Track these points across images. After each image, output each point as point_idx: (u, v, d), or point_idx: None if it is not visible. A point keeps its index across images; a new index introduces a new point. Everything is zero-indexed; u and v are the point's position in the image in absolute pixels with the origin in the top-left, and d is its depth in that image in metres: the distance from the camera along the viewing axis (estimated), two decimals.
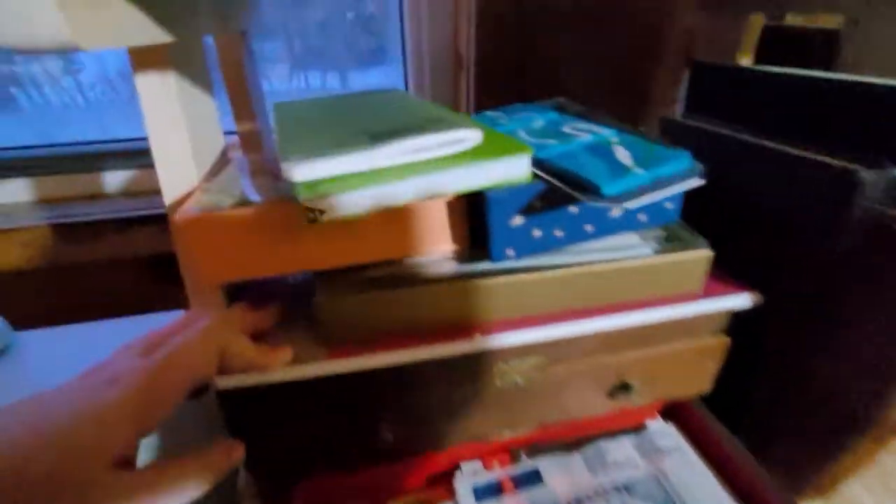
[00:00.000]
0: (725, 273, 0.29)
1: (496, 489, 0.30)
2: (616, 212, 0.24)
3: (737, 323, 0.30)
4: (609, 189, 0.20)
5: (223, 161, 0.30)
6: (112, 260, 0.50)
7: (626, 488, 0.30)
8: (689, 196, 0.26)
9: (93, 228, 0.50)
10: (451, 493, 0.30)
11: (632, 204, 0.20)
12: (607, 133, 0.26)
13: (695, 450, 0.33)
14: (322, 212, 0.20)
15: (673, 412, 0.35)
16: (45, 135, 0.59)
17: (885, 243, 0.24)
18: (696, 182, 0.22)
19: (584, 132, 0.26)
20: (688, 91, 0.35)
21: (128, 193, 0.55)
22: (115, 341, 0.21)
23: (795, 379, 0.30)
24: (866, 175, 0.23)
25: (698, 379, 0.31)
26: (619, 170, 0.21)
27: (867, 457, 0.28)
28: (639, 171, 0.21)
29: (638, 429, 0.35)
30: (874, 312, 0.25)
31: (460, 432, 0.29)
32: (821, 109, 0.26)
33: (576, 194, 0.21)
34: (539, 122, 0.29)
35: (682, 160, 0.22)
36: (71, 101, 0.63)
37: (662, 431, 0.34)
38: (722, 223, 0.29)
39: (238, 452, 0.21)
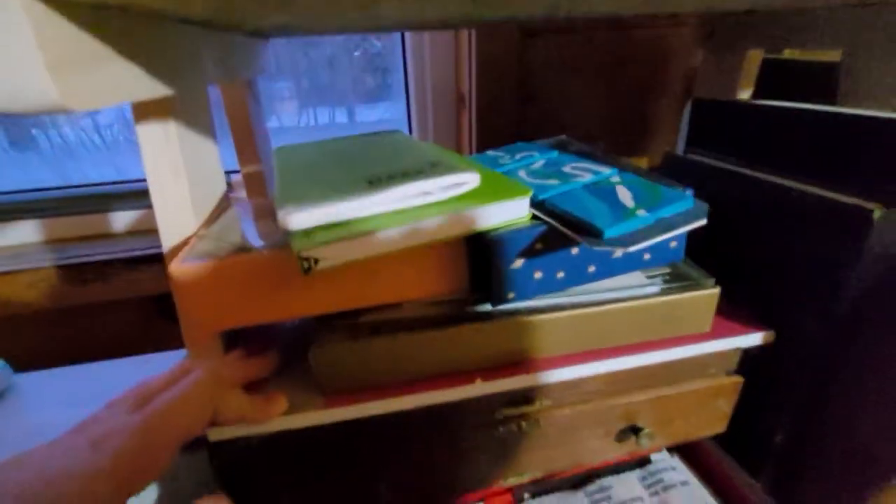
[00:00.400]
0: (734, 311, 0.28)
1: None
2: (619, 253, 0.24)
3: (751, 362, 0.28)
4: (611, 231, 0.20)
5: (224, 205, 0.30)
6: (118, 300, 0.50)
7: None
8: (693, 231, 0.26)
9: (100, 268, 0.50)
10: None
11: (634, 248, 0.19)
12: (608, 172, 0.26)
13: (703, 484, 0.31)
14: (317, 261, 0.20)
15: (680, 446, 0.34)
16: (62, 175, 0.61)
17: None
18: (699, 222, 0.22)
19: (585, 172, 0.26)
20: (689, 126, 0.35)
21: (136, 232, 0.56)
22: (116, 382, 0.21)
23: (813, 419, 0.28)
24: (881, 214, 0.22)
25: (711, 420, 0.30)
26: (621, 211, 0.21)
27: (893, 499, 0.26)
28: (641, 212, 0.21)
29: (643, 463, 0.34)
30: (892, 349, 0.24)
31: (462, 483, 0.28)
32: (821, 142, 0.26)
33: (577, 237, 0.20)
34: (540, 161, 0.29)
35: (686, 201, 0.22)
36: (88, 140, 0.65)
37: (668, 465, 0.33)
38: (728, 259, 0.28)
39: None
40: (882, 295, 0.23)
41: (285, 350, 0.26)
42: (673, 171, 0.33)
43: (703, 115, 0.34)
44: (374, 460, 0.25)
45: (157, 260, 0.50)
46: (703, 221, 0.22)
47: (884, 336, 0.24)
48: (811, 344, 0.26)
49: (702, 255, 0.28)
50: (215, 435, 0.22)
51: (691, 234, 0.25)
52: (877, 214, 0.22)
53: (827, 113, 0.26)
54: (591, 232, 0.20)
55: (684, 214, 0.22)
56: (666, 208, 0.21)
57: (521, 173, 0.27)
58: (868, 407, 0.26)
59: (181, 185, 0.24)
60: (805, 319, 0.26)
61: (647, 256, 0.24)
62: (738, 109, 0.32)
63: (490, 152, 0.33)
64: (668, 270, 0.28)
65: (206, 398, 0.20)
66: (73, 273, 0.47)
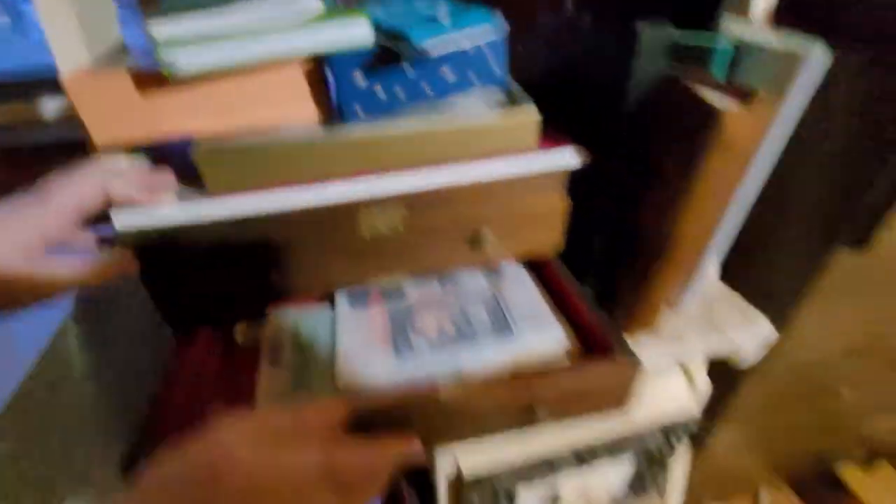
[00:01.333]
0: (561, 136, 0.34)
1: (366, 298, 0.37)
2: (446, 72, 0.29)
3: (574, 185, 0.35)
4: (418, 38, 0.25)
5: (115, 34, 0.33)
6: None
7: (466, 296, 0.36)
8: (523, 67, 0.31)
9: (35, 153, 0.53)
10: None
11: (437, 50, 0.25)
12: (442, 4, 0.30)
13: (531, 275, 0.39)
14: (177, 65, 0.25)
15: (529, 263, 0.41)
16: None
17: (670, 96, 0.29)
18: (493, 34, 0.27)
19: (425, 3, 0.30)
20: None
21: (69, 119, 0.58)
22: None
23: (621, 227, 0.35)
24: (645, 31, 0.27)
25: (547, 235, 0.37)
26: (432, 24, 0.26)
27: (672, 279, 0.35)
28: (446, 23, 0.26)
29: (495, 270, 0.41)
30: (671, 156, 0.30)
31: (340, 277, 0.35)
32: None
33: (392, 45, 0.25)
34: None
35: (485, 16, 0.27)
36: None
37: (511, 268, 0.41)
38: (554, 92, 0.34)
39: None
40: (659, 111, 0.29)
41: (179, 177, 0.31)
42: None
43: None
44: (261, 253, 0.32)
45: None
46: (497, 33, 0.27)
47: (661, 152, 0.30)
48: (617, 160, 0.32)
49: (533, 90, 0.33)
50: (120, 223, 0.28)
51: (522, 70, 0.30)
52: (641, 30, 0.27)
53: None
54: (402, 39, 0.25)
55: (481, 24, 0.27)
56: (467, 20, 0.27)
57: (379, 13, 0.31)
58: (656, 206, 0.33)
59: (71, 20, 0.27)
60: (612, 139, 0.32)
61: (473, 77, 0.30)
62: None
63: None
64: (504, 99, 0.33)
65: (99, 174, 0.25)
66: (9, 157, 0.50)
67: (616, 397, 0.33)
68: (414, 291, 0.38)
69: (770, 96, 0.28)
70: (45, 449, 0.33)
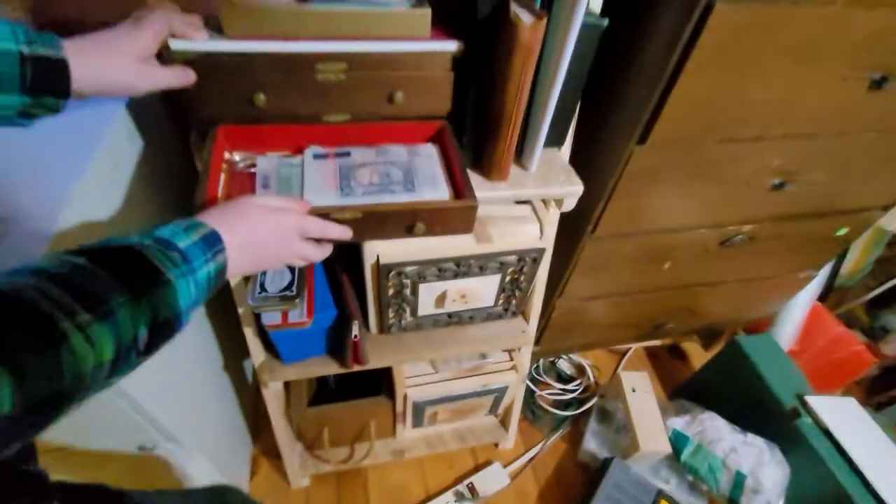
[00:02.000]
0: (447, 32, 0.54)
1: (324, 156, 0.58)
2: None
3: (459, 64, 0.55)
4: None
5: None
6: None
7: (389, 163, 0.58)
8: None
9: None
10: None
11: None
12: None
13: (438, 154, 0.61)
14: None
15: (435, 139, 0.63)
16: None
17: (502, 24, 0.48)
18: None
19: None
20: None
21: None
22: None
23: (482, 100, 0.56)
24: None
25: (440, 100, 0.58)
26: None
27: (506, 140, 0.57)
28: None
29: (414, 147, 0.62)
30: (500, 48, 0.50)
31: (304, 109, 0.55)
32: None
33: None
34: None
35: None
36: None
37: (425, 147, 0.62)
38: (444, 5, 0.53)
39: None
40: (499, 20, 0.49)
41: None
42: None
43: None
44: (259, 80, 0.52)
45: None
46: None
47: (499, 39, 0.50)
48: (470, 52, 0.52)
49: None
50: (176, 45, 0.47)
51: None
52: None
53: None
54: None
55: None
56: None
57: None
58: (497, 89, 0.54)
59: None
60: (469, 39, 0.52)
61: None
62: None
63: None
64: (415, 3, 0.52)
65: (167, 17, 0.44)
66: None
67: (464, 223, 0.56)
68: (357, 155, 0.59)
69: (556, 22, 0.48)
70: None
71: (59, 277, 0.24)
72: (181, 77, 0.46)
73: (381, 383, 0.97)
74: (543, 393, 1.24)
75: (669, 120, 0.62)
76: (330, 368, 0.81)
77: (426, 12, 0.51)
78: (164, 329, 0.30)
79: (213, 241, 0.35)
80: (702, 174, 0.73)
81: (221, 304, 0.85)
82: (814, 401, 0.93)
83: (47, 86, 0.35)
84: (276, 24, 0.49)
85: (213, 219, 0.38)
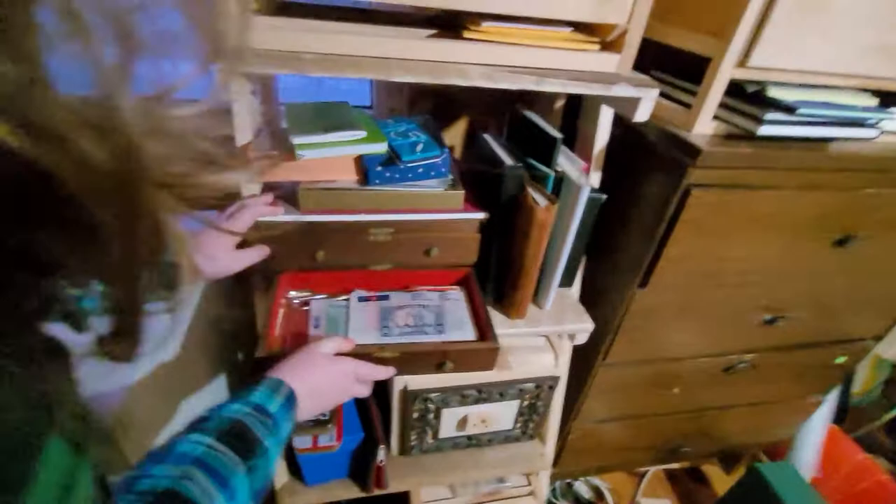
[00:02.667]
0: (476, 205, 0.67)
1: (367, 298, 0.68)
2: (420, 169, 0.61)
3: (485, 227, 0.67)
4: (405, 157, 0.57)
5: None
6: None
7: (422, 306, 0.68)
8: (462, 173, 0.64)
9: None
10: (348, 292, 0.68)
11: (410, 164, 0.57)
12: (422, 136, 0.63)
13: (465, 298, 0.71)
14: (303, 155, 0.57)
15: (462, 283, 0.73)
16: None
17: (521, 204, 0.61)
18: (440, 158, 0.59)
19: (414, 134, 0.63)
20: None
21: None
22: None
23: (504, 256, 0.67)
24: (508, 170, 0.60)
25: (468, 253, 0.69)
26: (413, 151, 0.58)
27: (525, 287, 0.67)
28: (420, 153, 0.58)
29: (444, 292, 0.73)
30: (517, 237, 0.62)
31: (355, 260, 0.66)
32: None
33: (394, 158, 0.57)
34: (403, 126, 0.66)
35: (437, 150, 0.59)
36: None
37: (453, 291, 0.73)
38: (474, 185, 0.66)
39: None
40: (516, 208, 0.62)
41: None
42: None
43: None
44: (322, 242, 0.63)
45: None
46: (447, 158, 0.59)
47: (514, 220, 0.63)
48: (494, 219, 0.65)
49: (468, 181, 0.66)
50: (262, 218, 0.60)
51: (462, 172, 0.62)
52: (506, 168, 0.60)
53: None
54: (399, 156, 0.58)
55: (433, 154, 0.59)
56: (431, 153, 0.59)
57: (391, 132, 0.64)
58: (517, 250, 0.65)
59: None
60: (494, 210, 0.64)
61: (433, 173, 0.62)
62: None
63: (389, 119, 0.69)
64: (450, 185, 0.65)
65: (255, 214, 0.57)
66: None
67: (488, 361, 0.64)
68: (395, 298, 0.70)
69: (565, 201, 0.60)
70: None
71: (199, 462, 0.31)
72: (262, 254, 0.58)
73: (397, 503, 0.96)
74: None
75: (665, 269, 0.72)
76: (351, 492, 0.83)
77: (460, 193, 0.64)
78: (260, 493, 0.36)
79: (292, 400, 0.42)
80: (699, 311, 0.81)
81: None
82: None
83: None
84: (340, 201, 0.62)
85: (287, 373, 0.46)
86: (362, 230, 0.64)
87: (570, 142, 0.72)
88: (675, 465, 1.34)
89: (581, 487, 1.28)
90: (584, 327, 0.73)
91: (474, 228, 0.67)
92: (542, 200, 0.60)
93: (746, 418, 1.09)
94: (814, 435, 1.19)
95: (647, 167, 0.70)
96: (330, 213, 0.62)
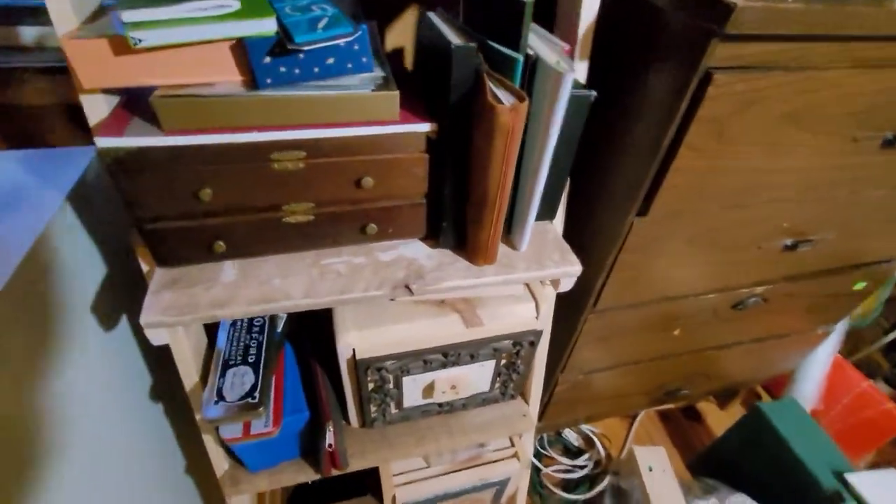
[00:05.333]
0: (418, 111, 0.48)
1: None
2: (330, 60, 0.42)
3: (435, 144, 0.49)
4: (298, 38, 0.38)
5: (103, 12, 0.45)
6: (37, 105, 0.64)
7: None
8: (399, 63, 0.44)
9: (16, 74, 0.64)
10: None
11: (308, 47, 0.38)
12: (330, 10, 0.43)
13: None
14: (140, 40, 0.37)
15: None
16: None
17: (478, 104, 0.43)
18: (348, 37, 0.40)
19: (319, 7, 0.43)
20: None
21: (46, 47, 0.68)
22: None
23: (462, 182, 0.50)
24: (456, 52, 0.41)
25: (415, 183, 0.52)
26: (313, 29, 0.39)
27: (491, 223, 0.50)
28: (321, 31, 0.39)
29: None
30: (478, 132, 0.45)
31: (265, 199, 0.49)
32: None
33: (284, 39, 0.38)
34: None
35: (348, 26, 0.40)
36: None
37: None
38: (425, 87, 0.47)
39: None
40: (474, 103, 0.44)
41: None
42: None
43: None
44: (204, 175, 0.45)
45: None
46: (350, 35, 0.40)
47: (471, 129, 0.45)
48: (446, 131, 0.47)
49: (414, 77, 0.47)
50: (102, 143, 0.41)
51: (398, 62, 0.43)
52: (454, 46, 0.41)
53: None
54: (289, 37, 0.38)
55: (344, 33, 0.40)
56: (336, 30, 0.40)
57: (287, 8, 0.44)
58: (478, 172, 0.48)
59: None
60: (445, 119, 0.46)
61: (350, 65, 0.43)
62: None
63: None
64: (381, 82, 0.47)
65: None
66: None
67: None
68: None
69: (540, 99, 0.42)
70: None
71: None
72: None
73: (367, 479, 0.86)
74: (550, 470, 1.12)
75: (671, 190, 0.56)
76: (305, 474, 0.71)
77: (394, 95, 0.45)
78: None
79: None
80: (709, 241, 0.67)
81: (180, 400, 0.76)
82: (856, 479, 0.82)
83: None
84: (219, 115, 0.43)
85: None
86: (261, 156, 0.45)
87: (548, 23, 0.53)
88: (669, 406, 1.27)
89: (569, 435, 1.20)
90: (569, 271, 0.58)
91: (420, 146, 0.49)
92: (506, 97, 0.42)
93: (749, 355, 0.99)
94: (817, 367, 1.10)
95: (651, 47, 0.51)
96: (206, 132, 0.43)
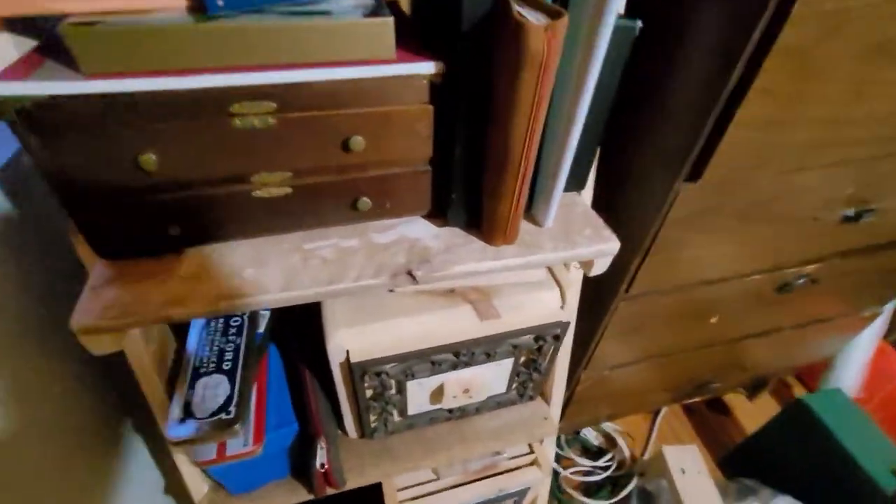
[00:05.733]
0: (420, 49, 0.38)
1: None
2: None
3: (441, 92, 0.39)
4: None
5: None
6: None
7: None
8: None
9: None
10: None
11: None
12: None
13: None
14: None
15: None
16: None
17: (500, 27, 0.32)
18: None
19: None
20: None
21: None
22: None
23: (476, 140, 0.40)
24: None
25: (416, 145, 0.42)
26: None
27: (512, 191, 0.40)
28: None
29: None
30: (497, 94, 0.34)
31: (222, 169, 0.38)
32: None
33: None
34: None
35: None
36: None
37: None
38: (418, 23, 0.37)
39: None
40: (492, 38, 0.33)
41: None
42: None
43: None
44: (145, 136, 0.35)
45: None
46: None
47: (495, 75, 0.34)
48: (455, 72, 0.36)
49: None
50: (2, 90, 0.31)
51: None
52: None
53: None
54: None
55: None
56: None
57: None
58: (499, 124, 0.37)
59: None
60: (454, 58, 0.36)
61: None
62: None
63: None
64: (369, 11, 0.36)
65: None
66: None
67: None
68: None
69: (576, 26, 0.32)
70: None
71: None
72: None
73: (369, 494, 0.77)
74: (568, 473, 1.03)
75: (729, 151, 0.46)
76: (296, 496, 0.62)
77: (386, 23, 0.35)
78: None
79: None
80: (762, 213, 0.57)
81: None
82: None
83: None
84: (160, 52, 0.32)
85: None
86: (217, 109, 0.35)
87: None
88: (695, 399, 1.18)
89: (589, 434, 1.11)
90: (605, 249, 0.48)
91: (422, 95, 0.39)
92: (535, 16, 0.32)
93: (788, 343, 0.90)
94: (860, 352, 1.01)
95: None
96: (140, 75, 0.33)
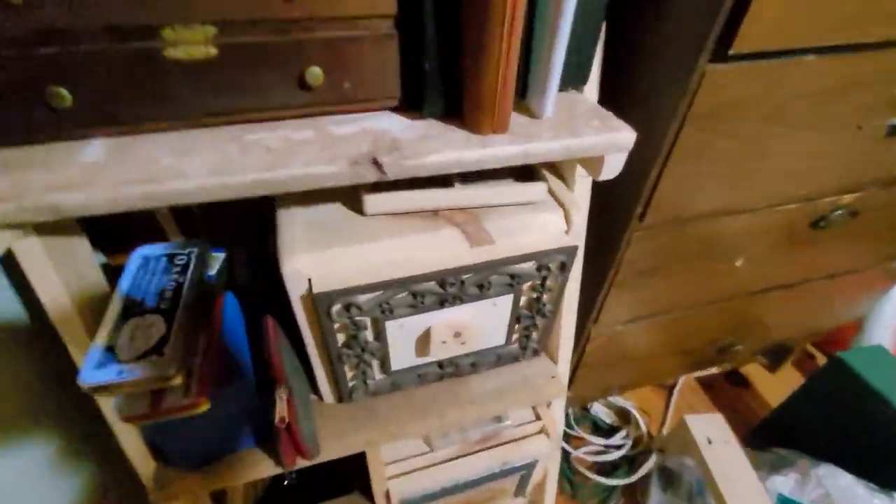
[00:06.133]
0: None
1: None
2: None
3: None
4: None
5: None
6: None
7: None
8: None
9: None
10: None
11: None
12: None
13: None
14: None
15: None
16: None
17: None
18: None
19: None
20: None
21: None
22: None
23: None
24: None
25: (384, 76, 0.33)
26: None
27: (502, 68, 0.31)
28: None
29: None
30: None
31: (152, 108, 0.30)
32: None
33: None
34: None
35: None
36: None
37: None
38: None
39: None
40: None
41: None
42: None
43: None
44: (54, 66, 0.26)
45: None
46: None
47: None
48: None
49: None
50: None
51: None
52: None
53: None
54: None
55: None
56: None
57: None
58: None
59: None
60: None
61: None
62: None
63: None
64: None
65: None
66: None
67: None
68: None
69: None
70: None
71: None
72: None
73: (355, 473, 0.67)
74: (580, 452, 0.93)
75: (763, 17, 0.37)
76: (262, 468, 0.52)
77: None
78: None
79: None
80: (799, 114, 0.48)
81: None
82: None
83: None
84: None
85: None
86: (144, 35, 0.26)
87: None
88: (712, 371, 1.09)
89: (599, 409, 1.02)
90: (616, 140, 0.39)
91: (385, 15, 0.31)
92: None
93: (817, 298, 0.81)
94: (891, 310, 0.92)
95: None
96: None
